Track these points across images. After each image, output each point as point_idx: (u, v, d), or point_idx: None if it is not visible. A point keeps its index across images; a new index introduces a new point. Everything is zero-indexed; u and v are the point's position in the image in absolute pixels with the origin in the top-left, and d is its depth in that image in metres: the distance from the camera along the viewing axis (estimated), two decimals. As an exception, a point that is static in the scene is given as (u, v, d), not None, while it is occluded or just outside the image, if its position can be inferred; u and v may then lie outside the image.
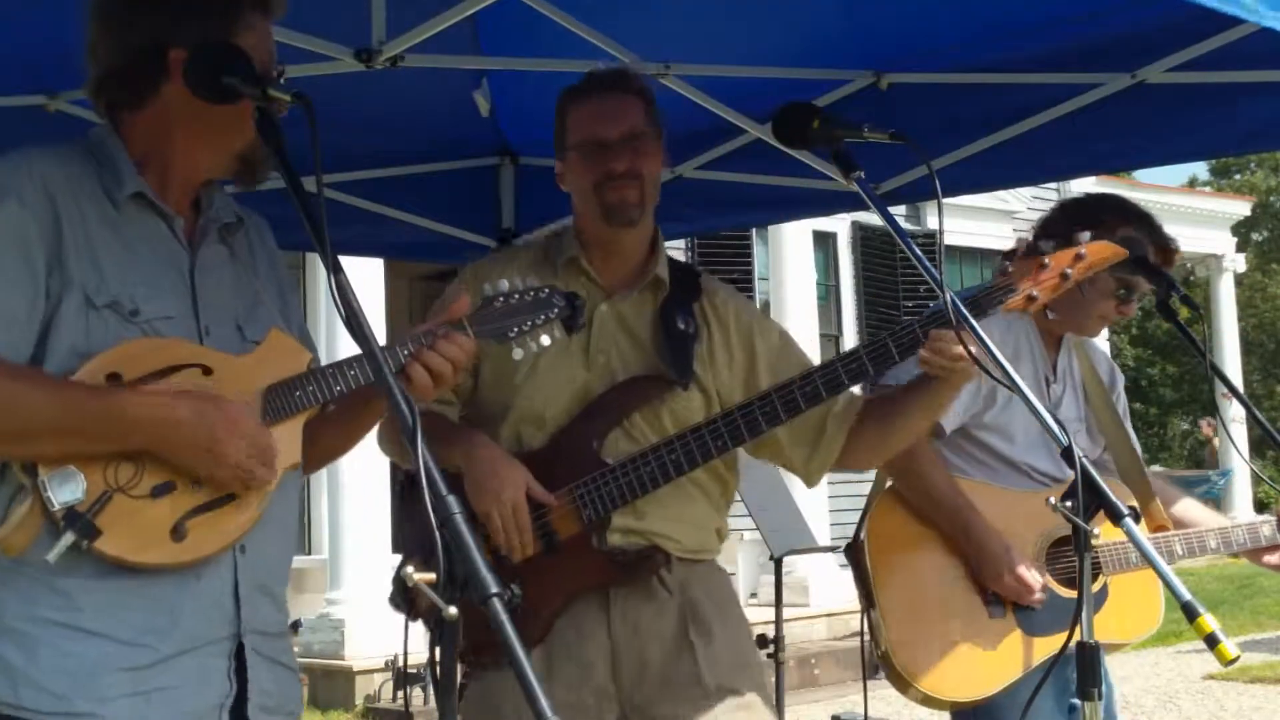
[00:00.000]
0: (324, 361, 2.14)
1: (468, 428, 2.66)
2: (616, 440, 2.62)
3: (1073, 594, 2.35)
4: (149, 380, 1.94)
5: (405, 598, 2.38)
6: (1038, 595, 2.96)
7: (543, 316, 2.22)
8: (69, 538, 1.86)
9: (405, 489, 2.77)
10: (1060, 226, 3.18)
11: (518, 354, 2.22)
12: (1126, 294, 3.10)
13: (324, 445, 2.22)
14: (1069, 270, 2.51)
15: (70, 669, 1.88)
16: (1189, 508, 3.32)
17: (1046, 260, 2.51)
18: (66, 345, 1.92)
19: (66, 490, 1.86)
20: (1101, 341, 3.50)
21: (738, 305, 2.81)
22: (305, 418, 2.07)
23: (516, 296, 2.21)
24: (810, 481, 2.81)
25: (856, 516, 3.14)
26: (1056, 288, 2.52)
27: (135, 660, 1.92)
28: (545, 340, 2.23)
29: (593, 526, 2.57)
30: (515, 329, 2.20)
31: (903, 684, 2.98)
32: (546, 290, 2.24)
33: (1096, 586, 3.03)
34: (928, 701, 3.03)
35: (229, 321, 2.09)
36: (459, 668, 1.88)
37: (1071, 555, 2.90)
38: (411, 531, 2.60)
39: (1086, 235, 2.54)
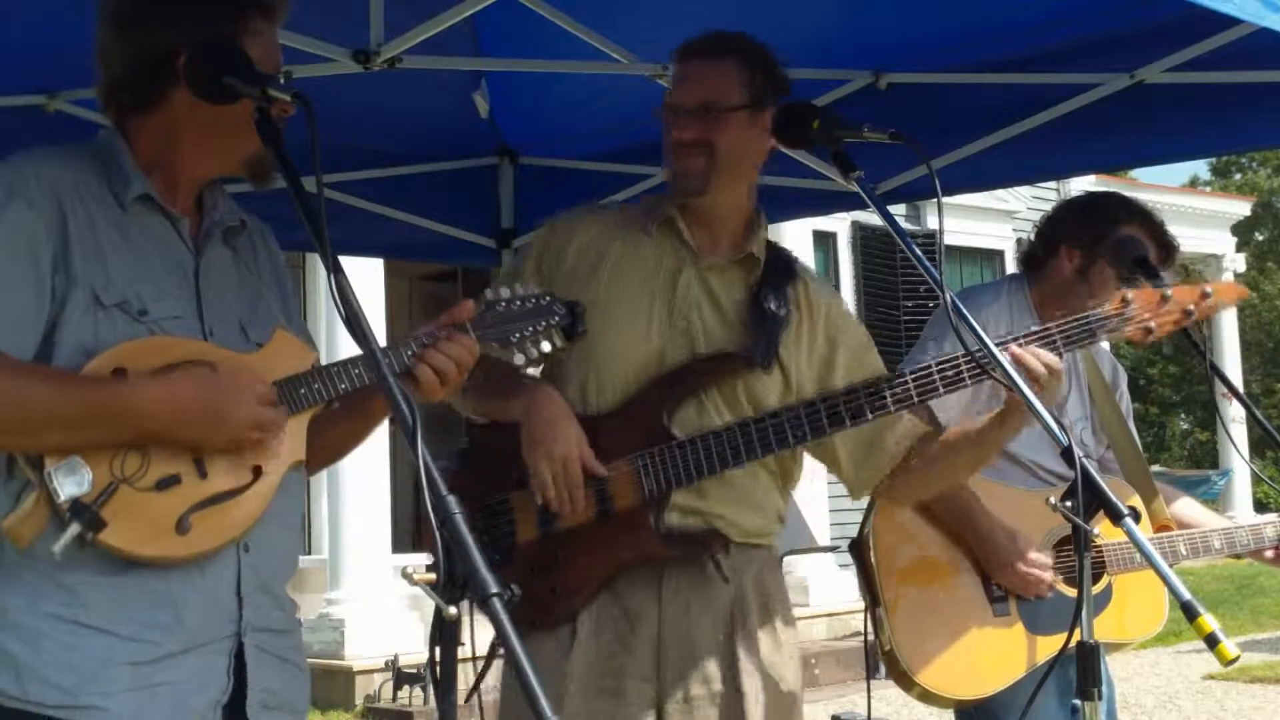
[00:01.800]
0: (324, 363, 2.13)
1: (535, 380, 2.59)
2: (688, 413, 2.53)
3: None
4: None
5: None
6: (1049, 577, 2.95)
7: (543, 323, 2.23)
8: (74, 529, 1.86)
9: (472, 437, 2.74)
10: (1067, 226, 3.20)
11: (518, 359, 2.23)
12: None
13: (328, 444, 2.22)
14: (1192, 307, 2.46)
15: (75, 663, 1.89)
16: (1186, 508, 3.32)
17: (1168, 293, 2.46)
18: (74, 344, 1.93)
19: (72, 482, 1.87)
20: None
21: (829, 297, 2.74)
22: (311, 415, 2.07)
23: (518, 302, 2.22)
24: (855, 494, 2.73)
25: (856, 516, 3.13)
26: (1177, 323, 2.47)
27: (139, 655, 1.93)
28: (546, 346, 2.24)
29: (652, 501, 2.48)
30: (516, 334, 2.21)
31: (906, 681, 2.98)
32: (548, 298, 2.25)
33: (1101, 586, 3.04)
34: (931, 699, 3.02)
35: (232, 323, 2.10)
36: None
37: (1076, 554, 2.89)
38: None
39: (1230, 274, 2.50)
